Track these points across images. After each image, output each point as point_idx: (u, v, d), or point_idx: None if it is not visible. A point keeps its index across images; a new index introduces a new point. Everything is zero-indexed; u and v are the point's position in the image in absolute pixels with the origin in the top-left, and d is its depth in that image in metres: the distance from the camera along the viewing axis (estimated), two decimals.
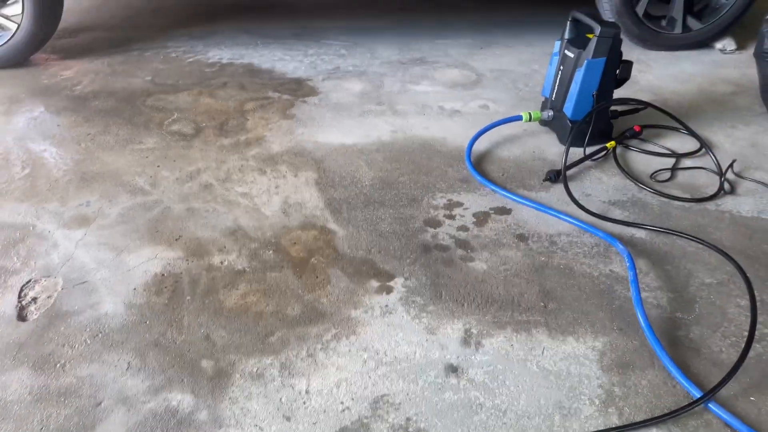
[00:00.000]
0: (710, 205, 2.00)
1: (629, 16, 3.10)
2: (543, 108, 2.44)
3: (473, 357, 1.45)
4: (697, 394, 1.33)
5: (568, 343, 1.49)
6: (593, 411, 1.32)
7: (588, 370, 1.41)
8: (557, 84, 2.34)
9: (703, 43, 3.28)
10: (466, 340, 1.49)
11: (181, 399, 1.35)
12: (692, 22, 3.18)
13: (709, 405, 1.31)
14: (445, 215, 1.96)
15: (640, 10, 3.11)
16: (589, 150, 2.25)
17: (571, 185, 2.08)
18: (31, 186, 2.09)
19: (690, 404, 1.31)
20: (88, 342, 1.49)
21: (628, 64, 2.28)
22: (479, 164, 2.23)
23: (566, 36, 2.31)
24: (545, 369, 1.42)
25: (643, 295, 1.62)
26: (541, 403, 1.33)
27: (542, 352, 1.46)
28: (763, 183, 2.11)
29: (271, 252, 1.79)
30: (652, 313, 1.57)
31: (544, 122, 2.45)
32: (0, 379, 1.39)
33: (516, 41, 3.48)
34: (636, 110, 2.46)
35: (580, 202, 1.98)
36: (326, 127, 2.50)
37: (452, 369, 1.42)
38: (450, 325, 1.54)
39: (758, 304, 1.57)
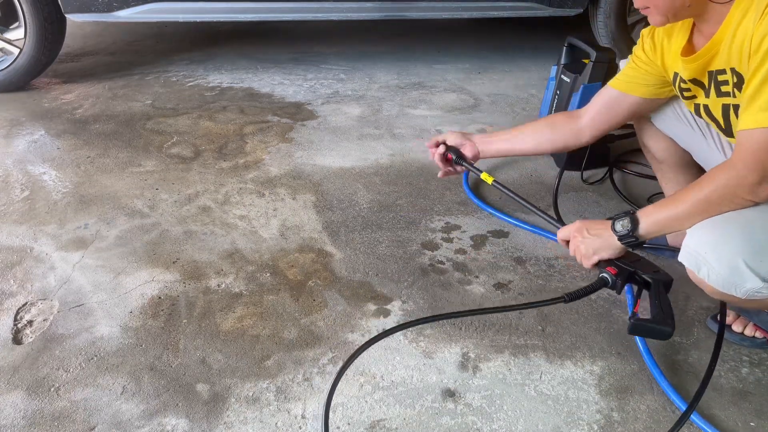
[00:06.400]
0: None
1: (625, 42, 3.14)
2: None
3: (471, 381, 1.44)
4: (697, 420, 1.31)
5: (566, 368, 1.48)
6: None
7: (586, 394, 1.40)
8: (554, 108, 2.37)
9: None
10: (463, 364, 1.48)
11: (175, 424, 1.33)
12: None
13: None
14: (442, 238, 1.96)
15: (635, 35, 3.15)
16: (586, 174, 2.26)
17: (569, 208, 2.09)
18: (29, 208, 2.10)
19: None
20: (83, 365, 1.48)
21: None
22: (477, 187, 2.24)
23: (562, 61, 2.34)
24: (543, 393, 1.41)
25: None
26: (539, 429, 1.32)
27: (540, 377, 1.45)
28: None
29: (268, 275, 1.79)
30: None
31: None
32: None
33: (512, 66, 3.53)
34: (633, 134, 2.48)
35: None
36: (325, 151, 2.51)
37: (449, 393, 1.41)
38: (447, 348, 1.53)
39: None
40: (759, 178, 1.17)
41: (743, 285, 1.20)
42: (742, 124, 1.19)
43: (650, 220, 1.31)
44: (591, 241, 1.38)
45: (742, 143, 1.19)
